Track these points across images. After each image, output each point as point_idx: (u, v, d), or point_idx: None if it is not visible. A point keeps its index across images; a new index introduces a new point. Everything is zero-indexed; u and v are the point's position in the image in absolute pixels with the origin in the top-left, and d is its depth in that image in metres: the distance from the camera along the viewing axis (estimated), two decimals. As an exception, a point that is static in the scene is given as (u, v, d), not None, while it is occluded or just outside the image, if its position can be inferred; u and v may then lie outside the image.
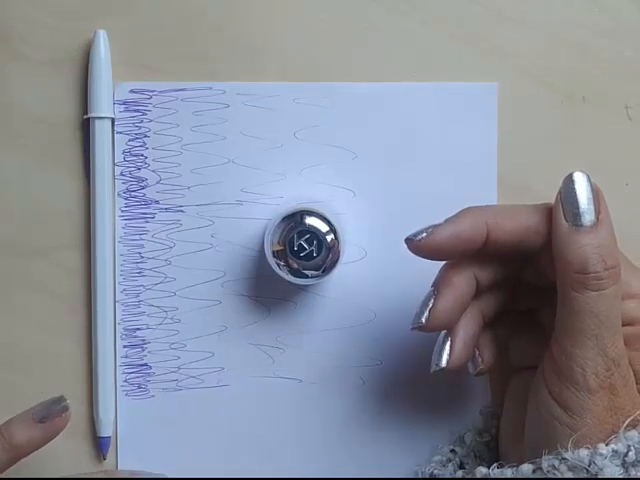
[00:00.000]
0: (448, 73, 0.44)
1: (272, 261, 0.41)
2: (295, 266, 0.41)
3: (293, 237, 0.41)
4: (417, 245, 0.36)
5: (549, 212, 0.35)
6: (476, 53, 0.44)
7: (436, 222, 0.36)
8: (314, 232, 0.41)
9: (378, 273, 0.44)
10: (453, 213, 0.36)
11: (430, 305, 0.36)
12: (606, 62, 0.44)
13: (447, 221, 0.36)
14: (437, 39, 0.44)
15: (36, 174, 0.43)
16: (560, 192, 0.35)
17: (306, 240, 0.41)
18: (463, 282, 0.36)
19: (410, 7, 0.43)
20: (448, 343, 0.37)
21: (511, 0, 0.44)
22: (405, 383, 0.44)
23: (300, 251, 0.40)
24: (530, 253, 0.36)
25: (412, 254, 0.36)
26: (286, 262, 0.41)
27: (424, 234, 0.35)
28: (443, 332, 0.37)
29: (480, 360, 0.38)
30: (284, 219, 0.41)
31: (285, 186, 0.44)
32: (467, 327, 0.37)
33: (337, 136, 0.43)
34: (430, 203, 0.43)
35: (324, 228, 0.41)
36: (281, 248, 0.41)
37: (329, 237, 0.41)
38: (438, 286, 0.37)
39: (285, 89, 0.43)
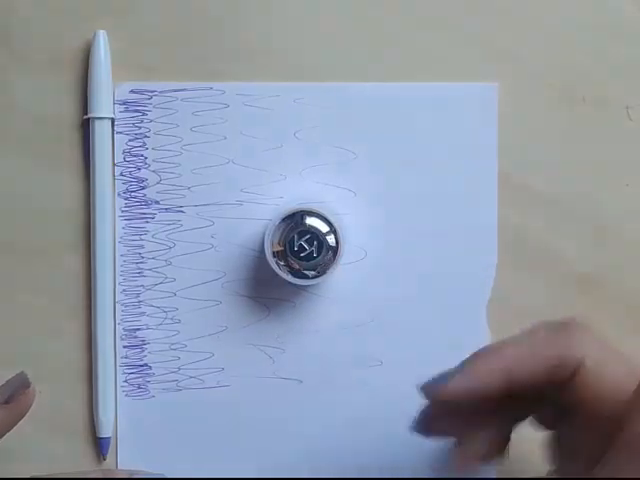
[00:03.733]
0: (448, 73, 0.44)
1: (272, 261, 0.41)
2: (295, 266, 0.41)
3: (293, 237, 0.41)
4: (433, 394, 0.33)
5: (569, 335, 0.32)
6: (476, 53, 0.44)
7: (450, 368, 0.33)
8: (314, 232, 0.41)
9: (378, 273, 0.44)
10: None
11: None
12: (606, 62, 0.44)
13: (461, 372, 0.33)
14: (437, 39, 0.44)
15: (36, 174, 0.43)
16: None
17: (306, 240, 0.41)
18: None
19: (410, 7, 0.43)
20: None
21: (511, 0, 0.44)
22: (405, 383, 0.43)
23: (300, 251, 0.40)
24: (558, 382, 0.33)
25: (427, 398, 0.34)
26: (286, 262, 0.41)
27: (438, 385, 0.33)
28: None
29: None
30: (284, 219, 0.41)
31: (285, 186, 0.44)
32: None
33: (337, 136, 0.43)
34: (430, 203, 0.43)
35: (324, 228, 0.41)
36: (281, 248, 0.41)
37: (329, 237, 0.41)
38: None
39: (285, 89, 0.43)
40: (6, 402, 0.37)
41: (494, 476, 0.43)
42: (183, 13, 0.43)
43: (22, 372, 0.38)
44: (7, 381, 0.38)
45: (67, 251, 0.43)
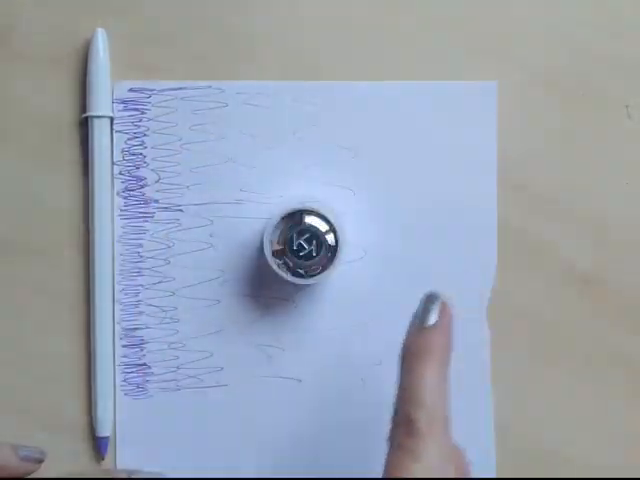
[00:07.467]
0: (448, 73, 0.44)
1: (272, 261, 0.41)
2: (295, 266, 0.41)
3: (293, 236, 0.40)
4: None
5: None
6: (476, 53, 0.44)
7: None
8: (314, 231, 0.40)
9: (378, 273, 0.43)
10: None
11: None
12: (606, 62, 0.44)
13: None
14: (437, 39, 0.44)
15: (35, 173, 0.43)
16: None
17: (306, 239, 0.41)
18: None
19: (410, 7, 0.43)
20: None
21: (511, 0, 0.44)
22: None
23: (300, 251, 0.40)
24: None
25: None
26: (286, 262, 0.41)
27: None
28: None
29: None
30: (284, 218, 0.41)
31: (284, 185, 0.44)
32: None
33: (337, 136, 0.43)
34: (430, 203, 0.43)
35: (324, 227, 0.41)
36: (281, 248, 0.41)
37: (329, 236, 0.41)
38: None
39: (285, 88, 0.43)
40: (21, 459, 0.39)
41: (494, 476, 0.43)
42: (182, 12, 0.43)
43: (44, 452, 0.40)
44: (33, 447, 0.40)
45: (66, 250, 0.43)
